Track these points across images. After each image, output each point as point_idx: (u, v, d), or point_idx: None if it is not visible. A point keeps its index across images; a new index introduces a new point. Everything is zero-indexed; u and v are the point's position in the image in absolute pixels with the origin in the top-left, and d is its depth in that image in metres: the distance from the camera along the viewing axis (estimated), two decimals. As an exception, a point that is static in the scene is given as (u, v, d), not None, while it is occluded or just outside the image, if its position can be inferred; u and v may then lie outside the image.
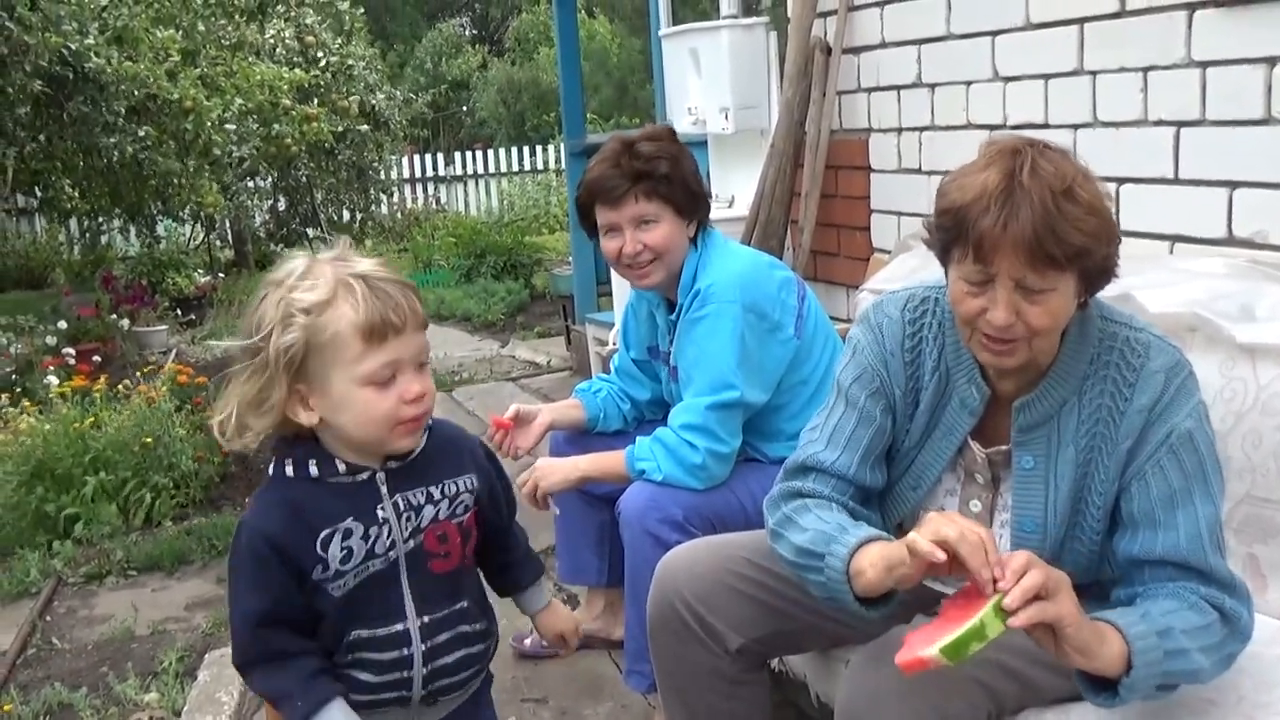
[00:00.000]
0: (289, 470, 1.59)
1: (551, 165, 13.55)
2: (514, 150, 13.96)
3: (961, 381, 1.79)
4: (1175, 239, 2.62)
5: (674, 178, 2.54)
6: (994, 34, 3.07)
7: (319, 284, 1.52)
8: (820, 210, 3.79)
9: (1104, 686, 1.56)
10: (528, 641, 3.09)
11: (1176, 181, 2.61)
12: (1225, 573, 1.64)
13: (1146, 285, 2.28)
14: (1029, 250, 1.54)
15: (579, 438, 2.85)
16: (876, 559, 1.62)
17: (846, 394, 1.86)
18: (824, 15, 3.76)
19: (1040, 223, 1.53)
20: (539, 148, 14.09)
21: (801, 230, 3.79)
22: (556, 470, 2.62)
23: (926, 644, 1.45)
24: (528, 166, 13.81)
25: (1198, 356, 2.17)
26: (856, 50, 3.66)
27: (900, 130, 3.51)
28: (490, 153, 13.89)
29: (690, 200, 2.57)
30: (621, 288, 4.34)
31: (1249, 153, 2.43)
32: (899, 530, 1.83)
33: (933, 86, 3.34)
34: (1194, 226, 2.58)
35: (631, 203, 2.52)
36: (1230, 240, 2.50)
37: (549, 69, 18.03)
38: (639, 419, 2.92)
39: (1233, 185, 2.48)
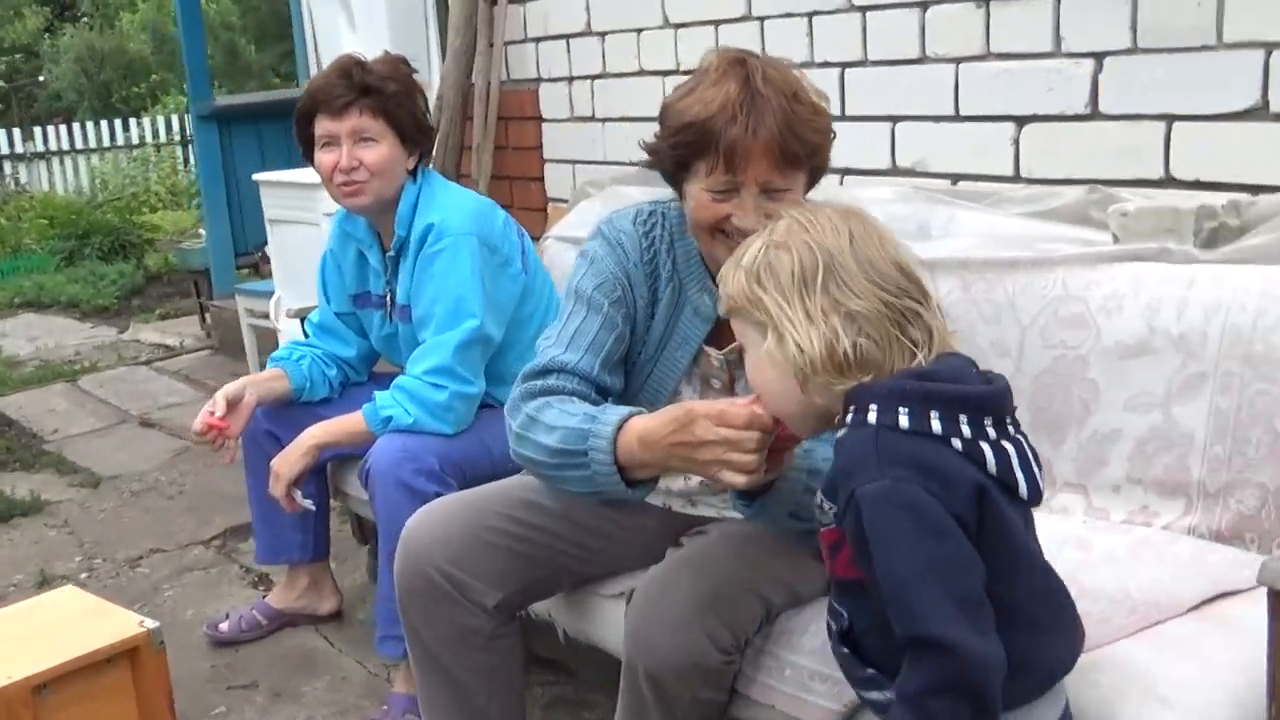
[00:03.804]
0: None
1: (149, 139, 12.50)
2: (103, 124, 12.70)
3: (694, 290, 1.84)
4: (845, 172, 2.83)
5: (403, 102, 2.48)
6: (663, -18, 3.17)
7: None
8: (493, 162, 3.75)
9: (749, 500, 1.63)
10: (223, 626, 2.87)
11: (844, 118, 2.81)
12: None
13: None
14: (778, 152, 1.64)
15: (281, 412, 2.67)
16: (653, 426, 1.58)
17: (589, 300, 1.82)
18: (484, -36, 3.71)
19: (783, 125, 1.63)
20: (132, 121, 12.93)
21: (476, 183, 3.74)
22: (288, 457, 2.46)
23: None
24: (120, 141, 12.62)
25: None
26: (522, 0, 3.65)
27: (571, 79, 3.54)
28: (75, 127, 12.58)
29: (415, 129, 2.51)
30: (303, 247, 4.11)
31: (907, 89, 2.67)
32: None
33: (603, 35, 3.39)
34: (861, 159, 2.79)
35: (354, 115, 2.44)
36: (894, 170, 2.74)
37: (134, 36, 16.57)
38: (344, 383, 2.77)
39: (894, 120, 2.72)
